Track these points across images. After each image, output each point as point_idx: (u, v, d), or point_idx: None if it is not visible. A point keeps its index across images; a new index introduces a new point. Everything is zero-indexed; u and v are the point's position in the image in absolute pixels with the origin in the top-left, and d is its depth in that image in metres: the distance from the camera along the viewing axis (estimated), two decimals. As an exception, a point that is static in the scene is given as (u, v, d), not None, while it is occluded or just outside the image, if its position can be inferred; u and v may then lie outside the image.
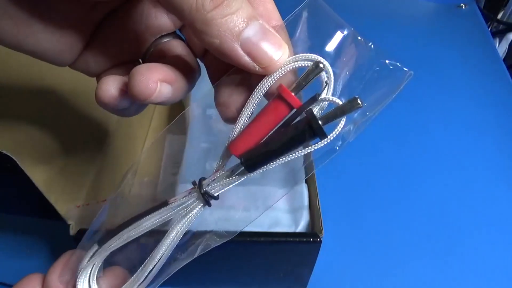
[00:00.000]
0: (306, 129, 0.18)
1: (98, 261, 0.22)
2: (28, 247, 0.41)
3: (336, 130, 0.18)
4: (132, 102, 0.21)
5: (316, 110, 0.18)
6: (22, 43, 0.20)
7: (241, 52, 0.17)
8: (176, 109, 0.46)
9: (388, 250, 0.44)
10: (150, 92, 0.19)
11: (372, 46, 0.18)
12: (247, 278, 0.39)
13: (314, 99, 0.18)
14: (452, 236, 0.45)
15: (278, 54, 0.18)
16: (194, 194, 0.20)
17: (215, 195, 0.20)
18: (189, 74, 0.21)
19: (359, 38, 0.19)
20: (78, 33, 0.21)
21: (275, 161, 0.19)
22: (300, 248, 0.33)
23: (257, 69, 0.18)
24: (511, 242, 0.45)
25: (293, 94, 0.18)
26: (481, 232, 0.45)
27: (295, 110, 0.18)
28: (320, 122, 0.17)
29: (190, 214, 0.20)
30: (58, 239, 0.42)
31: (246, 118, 0.19)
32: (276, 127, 0.19)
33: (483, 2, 0.80)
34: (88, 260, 0.22)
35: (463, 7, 0.76)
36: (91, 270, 0.22)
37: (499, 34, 0.79)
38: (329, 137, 0.18)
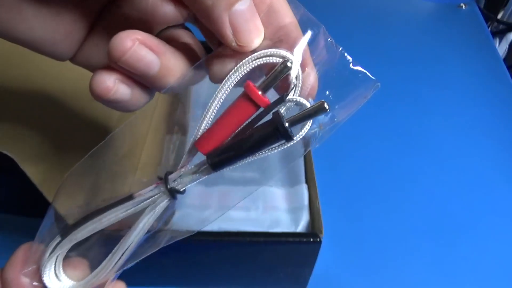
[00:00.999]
0: (273, 131, 0.17)
1: (62, 252, 0.22)
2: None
3: (301, 132, 0.18)
4: (130, 92, 0.19)
5: (282, 110, 0.18)
6: (13, 31, 0.18)
7: (227, 22, 0.17)
8: (176, 109, 0.46)
9: (388, 250, 0.44)
10: (123, 48, 0.17)
11: (342, 50, 0.18)
12: (247, 278, 0.39)
13: (282, 99, 0.18)
14: (452, 237, 0.45)
15: (257, 38, 0.18)
16: (160, 189, 0.20)
17: (181, 190, 0.20)
18: (191, 60, 0.20)
19: (329, 40, 0.18)
20: (75, 22, 0.20)
21: (240, 161, 0.19)
22: (300, 248, 0.33)
23: (233, 44, 0.17)
24: (510, 241, 0.45)
25: (259, 93, 0.17)
26: (482, 232, 0.45)
27: (262, 109, 0.18)
28: (286, 125, 0.17)
29: (157, 208, 0.20)
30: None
31: (212, 114, 0.19)
32: (243, 125, 0.19)
33: (483, 2, 0.80)
34: (51, 252, 0.21)
35: (463, 7, 0.76)
36: (55, 262, 0.22)
37: (499, 34, 0.79)
38: (294, 139, 0.18)
